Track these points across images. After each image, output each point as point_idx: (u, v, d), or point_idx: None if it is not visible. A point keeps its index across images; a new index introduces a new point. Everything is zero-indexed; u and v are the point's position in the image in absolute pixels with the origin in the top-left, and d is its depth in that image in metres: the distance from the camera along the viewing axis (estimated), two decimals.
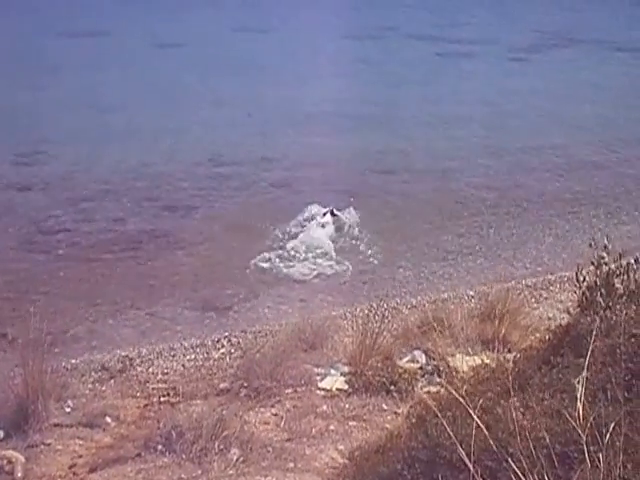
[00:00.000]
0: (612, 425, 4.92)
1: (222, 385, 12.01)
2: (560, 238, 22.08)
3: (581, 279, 8.77)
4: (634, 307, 7.67)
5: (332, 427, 10.10)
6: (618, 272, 8.54)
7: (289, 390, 11.22)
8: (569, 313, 9.94)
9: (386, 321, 15.63)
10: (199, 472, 8.77)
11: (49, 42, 48.59)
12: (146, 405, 11.62)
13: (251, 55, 48.56)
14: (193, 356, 14.88)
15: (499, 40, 56.35)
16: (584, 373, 5.23)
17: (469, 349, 12.58)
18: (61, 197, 23.66)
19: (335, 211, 22.84)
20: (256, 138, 30.51)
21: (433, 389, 10.90)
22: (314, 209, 23.07)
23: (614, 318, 7.70)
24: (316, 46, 52.09)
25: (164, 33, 53.43)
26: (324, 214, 22.72)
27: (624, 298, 8.38)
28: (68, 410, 11.01)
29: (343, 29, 58.06)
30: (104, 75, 39.93)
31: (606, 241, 8.74)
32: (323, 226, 22.28)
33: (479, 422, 5.03)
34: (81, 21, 56.50)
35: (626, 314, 7.45)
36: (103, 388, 12.95)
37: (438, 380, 11.49)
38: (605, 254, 8.63)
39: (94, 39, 50.50)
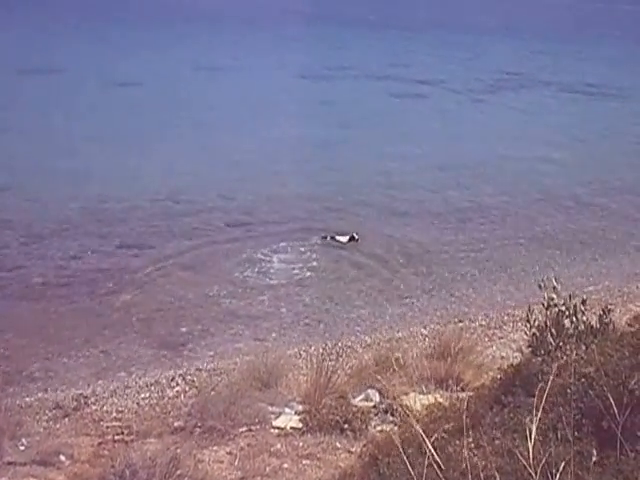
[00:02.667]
0: (562, 464, 4.98)
1: (176, 424, 11.98)
2: (513, 277, 22.26)
3: (532, 319, 8.87)
4: (583, 347, 7.79)
5: (286, 465, 10.11)
6: (567, 313, 8.66)
7: (243, 429, 11.23)
8: (522, 352, 10.05)
9: (340, 360, 15.73)
10: None
11: (6, 79, 48.48)
12: (100, 443, 11.55)
13: (208, 94, 48.74)
14: (147, 394, 14.80)
15: (458, 80, 57.21)
16: (535, 413, 5.29)
17: (423, 388, 12.66)
18: (15, 235, 23.41)
19: (356, 236, 23.60)
20: (211, 176, 30.55)
21: (387, 428, 10.95)
22: (267, 246, 23.27)
23: (564, 358, 7.81)
24: (272, 85, 52.57)
25: (122, 71, 53.45)
26: (346, 236, 23.64)
27: (574, 338, 8.50)
28: (22, 448, 10.94)
29: (299, 68, 58.61)
30: (60, 113, 39.77)
31: (555, 282, 8.84)
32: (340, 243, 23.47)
33: (429, 462, 5.07)
34: (41, 58, 56.41)
35: (576, 354, 7.56)
36: (57, 426, 12.85)
37: (392, 419, 11.54)
38: (555, 295, 8.74)
39: (55, 76, 50.51)
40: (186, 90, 49.34)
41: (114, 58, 59.95)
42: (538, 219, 27.70)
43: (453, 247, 24.40)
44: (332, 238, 23.69)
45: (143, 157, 32.55)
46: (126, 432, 11.99)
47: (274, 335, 18.30)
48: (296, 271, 22.05)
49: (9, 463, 10.29)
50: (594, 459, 5.30)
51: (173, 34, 77.62)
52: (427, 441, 5.15)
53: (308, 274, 21.93)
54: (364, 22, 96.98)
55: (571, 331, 8.54)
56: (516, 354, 13.68)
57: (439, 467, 5.22)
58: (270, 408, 12.06)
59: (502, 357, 15.73)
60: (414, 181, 31.48)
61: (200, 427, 11.24)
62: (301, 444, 10.73)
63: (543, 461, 5.00)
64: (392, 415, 11.71)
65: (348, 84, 55.60)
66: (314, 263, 22.52)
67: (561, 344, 8.39)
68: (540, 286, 8.96)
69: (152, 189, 28.50)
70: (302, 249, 23.29)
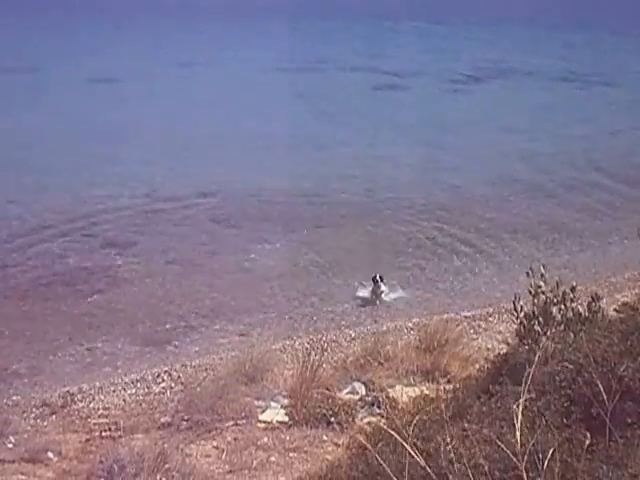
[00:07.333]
0: (550, 451, 4.95)
1: (163, 419, 11.96)
2: (498, 269, 22.21)
3: (519, 308, 8.83)
4: (572, 335, 7.76)
5: (273, 459, 10.10)
6: (555, 301, 8.62)
7: (230, 423, 11.20)
8: (507, 344, 10.03)
9: (326, 354, 15.67)
10: None
11: None
12: (88, 440, 11.54)
13: (186, 88, 48.81)
14: (134, 390, 14.73)
15: (434, 72, 57.24)
16: (522, 400, 5.25)
17: (409, 380, 12.66)
18: None
19: (378, 278, 20.54)
20: (192, 173, 30.44)
21: (373, 420, 10.93)
22: (250, 241, 23.28)
23: (552, 346, 7.78)
24: (251, 79, 52.59)
25: (97, 67, 53.38)
26: (374, 280, 20.54)
27: (562, 326, 8.47)
28: (10, 446, 10.96)
29: (277, 62, 58.58)
30: (37, 111, 39.70)
31: (543, 270, 8.81)
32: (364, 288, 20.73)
33: (416, 451, 5.03)
34: (15, 56, 56.42)
35: (564, 341, 7.53)
36: (45, 424, 12.82)
37: (378, 411, 11.53)
38: (542, 282, 8.71)
39: (28, 74, 50.46)
40: (164, 86, 49.42)
41: (88, 54, 59.93)
42: (521, 211, 27.65)
43: (435, 240, 24.32)
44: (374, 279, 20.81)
45: (122, 154, 32.43)
46: (113, 428, 11.99)
47: (259, 330, 18.23)
48: (279, 266, 21.99)
49: None
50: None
51: (149, 28, 77.32)
52: (410, 434, 5.11)
53: (291, 269, 21.87)
54: (346, 12, 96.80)
55: (559, 319, 8.52)
56: (502, 345, 13.66)
57: (427, 456, 5.19)
58: (256, 402, 12.04)
59: (488, 349, 15.68)
60: (394, 176, 31.39)
61: (187, 422, 11.24)
62: (288, 437, 10.72)
63: (530, 448, 4.97)
64: (378, 407, 11.70)
65: (329, 76, 55.64)
66: (297, 258, 22.47)
67: (549, 332, 8.37)
68: (527, 273, 8.93)
69: (132, 186, 28.43)
70: (285, 243, 23.23)
